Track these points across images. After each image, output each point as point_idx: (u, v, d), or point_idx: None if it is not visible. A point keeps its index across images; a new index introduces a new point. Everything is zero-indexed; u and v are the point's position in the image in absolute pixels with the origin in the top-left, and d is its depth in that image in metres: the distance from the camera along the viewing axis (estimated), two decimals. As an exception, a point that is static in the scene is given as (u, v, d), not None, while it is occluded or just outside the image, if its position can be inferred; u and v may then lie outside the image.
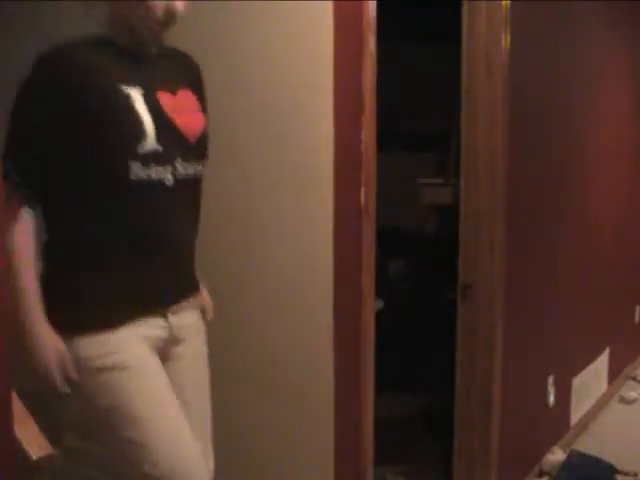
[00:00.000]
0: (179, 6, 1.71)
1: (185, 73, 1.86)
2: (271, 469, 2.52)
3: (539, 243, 3.45)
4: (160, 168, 1.68)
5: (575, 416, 3.97)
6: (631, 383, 4.88)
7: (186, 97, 1.81)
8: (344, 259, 2.38)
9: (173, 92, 1.77)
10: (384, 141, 2.69)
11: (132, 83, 1.68)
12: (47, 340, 1.63)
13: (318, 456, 2.45)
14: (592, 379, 4.23)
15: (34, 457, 1.80)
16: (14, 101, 1.65)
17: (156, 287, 1.74)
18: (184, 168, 1.73)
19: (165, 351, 1.77)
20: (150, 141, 1.65)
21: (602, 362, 4.41)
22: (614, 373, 4.63)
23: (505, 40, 2.87)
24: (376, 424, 2.51)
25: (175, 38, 1.82)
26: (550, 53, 3.43)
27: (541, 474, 3.53)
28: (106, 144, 1.64)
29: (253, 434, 2.55)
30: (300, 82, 2.38)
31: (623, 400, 4.60)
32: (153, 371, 1.71)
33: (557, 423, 3.78)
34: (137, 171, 1.65)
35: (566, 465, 3.49)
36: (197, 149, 1.79)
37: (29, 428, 1.85)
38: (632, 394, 4.62)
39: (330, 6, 2.30)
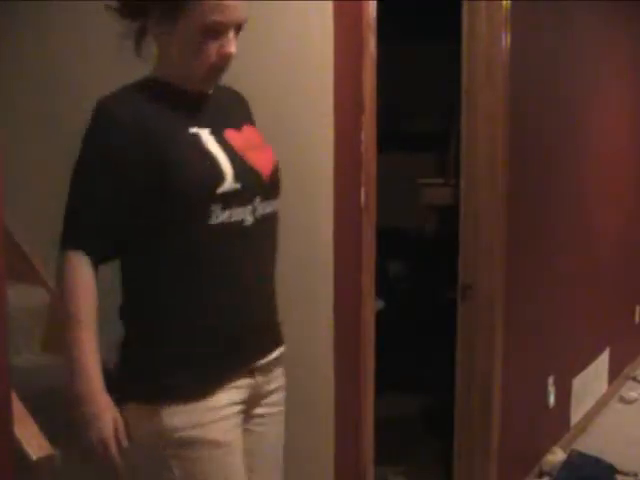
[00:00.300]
0: (232, 48, 1.58)
1: (242, 109, 1.80)
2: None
3: (539, 243, 3.45)
4: (240, 209, 1.59)
5: (575, 416, 3.97)
6: (631, 383, 4.88)
7: (252, 133, 1.73)
8: (344, 259, 2.38)
9: (238, 128, 1.69)
10: (384, 141, 2.69)
11: (198, 123, 1.60)
12: (105, 409, 1.56)
13: (318, 456, 2.45)
14: (592, 379, 4.23)
15: (34, 457, 1.80)
16: (79, 153, 1.56)
17: (242, 337, 1.64)
18: (263, 207, 1.65)
19: (247, 412, 1.69)
20: (229, 180, 1.56)
21: (602, 362, 4.41)
22: (614, 373, 4.63)
23: (505, 40, 2.87)
24: (376, 424, 2.51)
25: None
26: (550, 53, 3.44)
27: (541, 474, 3.53)
28: (184, 189, 1.54)
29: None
30: (300, 82, 2.37)
31: (623, 400, 4.60)
32: (236, 450, 1.64)
33: (557, 423, 3.78)
34: (218, 214, 1.55)
35: (566, 465, 3.50)
36: (272, 185, 1.72)
37: (29, 428, 1.85)
38: (632, 394, 4.63)
39: (330, 6, 2.29)
